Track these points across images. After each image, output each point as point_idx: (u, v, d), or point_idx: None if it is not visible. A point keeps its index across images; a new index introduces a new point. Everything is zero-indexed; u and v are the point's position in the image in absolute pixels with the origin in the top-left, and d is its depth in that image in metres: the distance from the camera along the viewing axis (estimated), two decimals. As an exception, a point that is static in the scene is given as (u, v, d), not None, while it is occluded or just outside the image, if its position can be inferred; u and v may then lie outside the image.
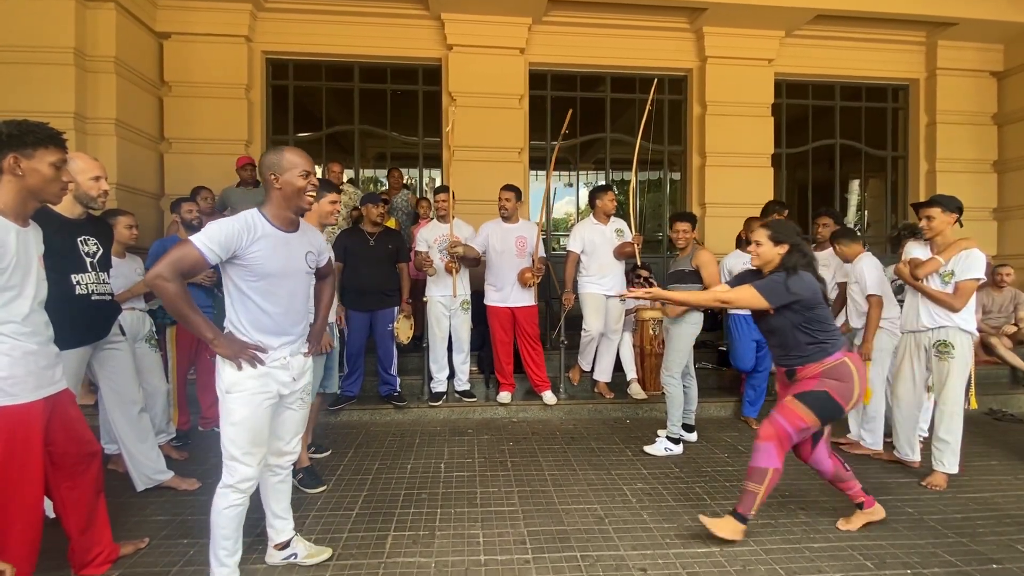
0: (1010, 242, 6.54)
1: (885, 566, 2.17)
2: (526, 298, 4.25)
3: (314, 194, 1.99)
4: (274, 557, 2.17)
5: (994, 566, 2.18)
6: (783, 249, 2.31)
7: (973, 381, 3.17)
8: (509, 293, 4.21)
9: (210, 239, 1.77)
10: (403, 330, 4.15)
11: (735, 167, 6.20)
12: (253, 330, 1.89)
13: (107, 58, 4.83)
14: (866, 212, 7.62)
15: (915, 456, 3.26)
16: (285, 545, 2.17)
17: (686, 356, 3.59)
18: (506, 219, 4.29)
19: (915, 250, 3.14)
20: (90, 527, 2.04)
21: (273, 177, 1.91)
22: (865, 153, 6.90)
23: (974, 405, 3.24)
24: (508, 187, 4.31)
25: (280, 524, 2.17)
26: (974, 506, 2.76)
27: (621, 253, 4.27)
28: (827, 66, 6.51)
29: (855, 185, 7.66)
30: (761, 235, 2.35)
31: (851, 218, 7.66)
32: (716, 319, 5.50)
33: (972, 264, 2.92)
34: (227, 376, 1.85)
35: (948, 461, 3.01)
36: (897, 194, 6.98)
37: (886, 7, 5.86)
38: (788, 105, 6.67)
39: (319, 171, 6.40)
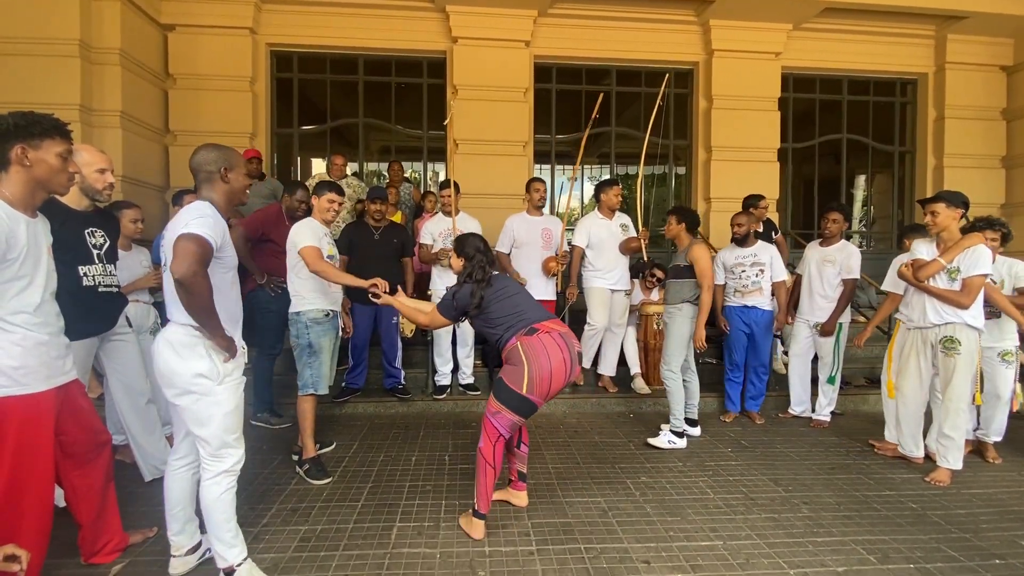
0: (1017, 239, 6.46)
1: (888, 560, 2.18)
2: (546, 292, 4.28)
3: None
4: (185, 566, 2.02)
5: (997, 561, 2.19)
6: (463, 262, 2.52)
7: (980, 377, 3.16)
8: (530, 287, 4.20)
9: (212, 231, 1.76)
10: (408, 324, 4.16)
11: (741, 161, 6.18)
12: (228, 322, 1.91)
13: (112, 50, 4.84)
14: (872, 207, 7.58)
15: (919, 452, 3.26)
16: (197, 547, 2.07)
17: (684, 349, 3.59)
18: (539, 210, 4.36)
19: (921, 249, 3.12)
20: (100, 516, 2.07)
21: (224, 170, 1.91)
22: (872, 148, 6.85)
23: (979, 402, 3.23)
24: (539, 179, 4.42)
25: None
26: (977, 502, 2.76)
27: (627, 248, 4.26)
28: (835, 60, 6.46)
29: (861, 180, 7.62)
30: (451, 251, 2.61)
31: (857, 213, 7.62)
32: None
33: (978, 260, 2.91)
34: (221, 367, 1.87)
35: (952, 457, 3.01)
36: (904, 189, 6.92)
37: (895, 0, 5.79)
38: (795, 99, 6.62)
39: (323, 164, 6.47)
